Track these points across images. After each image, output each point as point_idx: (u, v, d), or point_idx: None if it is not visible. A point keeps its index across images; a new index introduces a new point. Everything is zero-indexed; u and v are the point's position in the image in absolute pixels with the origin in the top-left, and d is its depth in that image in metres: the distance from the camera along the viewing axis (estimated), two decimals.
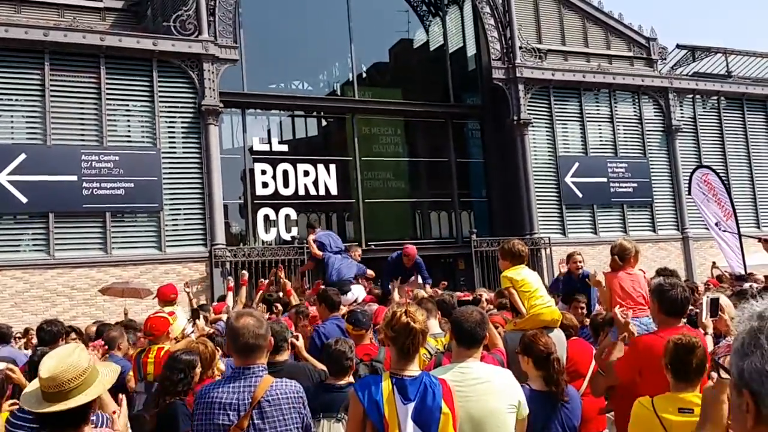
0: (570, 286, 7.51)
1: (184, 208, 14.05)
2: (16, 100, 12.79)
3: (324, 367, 4.04)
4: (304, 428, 2.86)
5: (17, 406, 3.20)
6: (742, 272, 9.91)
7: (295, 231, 15.62)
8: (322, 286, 6.82)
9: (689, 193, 12.61)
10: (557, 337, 4.33)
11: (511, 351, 4.04)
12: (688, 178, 13.17)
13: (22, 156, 12.49)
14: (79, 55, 13.25)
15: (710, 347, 3.39)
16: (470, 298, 7.85)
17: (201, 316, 6.05)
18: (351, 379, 3.86)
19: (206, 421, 2.75)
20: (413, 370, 2.69)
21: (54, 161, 12.78)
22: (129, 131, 13.80)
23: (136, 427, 3.91)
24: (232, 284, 9.16)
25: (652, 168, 18.51)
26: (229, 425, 2.69)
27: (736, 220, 11.29)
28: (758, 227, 19.17)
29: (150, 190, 13.57)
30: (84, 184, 13.04)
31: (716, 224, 11.51)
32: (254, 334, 2.79)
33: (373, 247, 15.53)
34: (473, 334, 3.03)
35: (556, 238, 17.12)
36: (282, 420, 2.75)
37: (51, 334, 5.47)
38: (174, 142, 14.09)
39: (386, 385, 2.63)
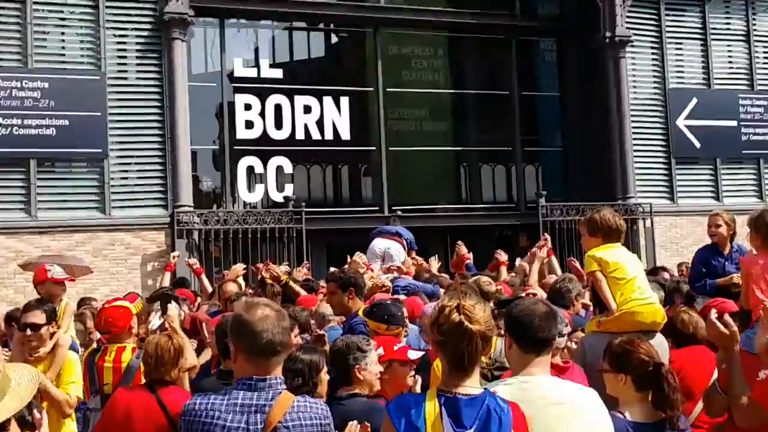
0: (712, 268, 6.98)
1: (138, 156, 14.08)
2: None
3: None
4: None
5: None
6: None
7: (289, 189, 15.58)
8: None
9: None
10: (659, 344, 4.40)
11: (591, 364, 4.13)
12: None
13: None
14: None
15: None
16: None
17: (173, 302, 6.28)
18: (357, 388, 4.04)
19: None
20: (471, 386, 2.73)
21: None
22: (63, 49, 13.73)
23: None
24: (194, 264, 10.10)
25: None
26: None
27: None
28: None
29: (91, 130, 13.52)
30: None
31: None
32: (280, 329, 2.90)
33: (399, 214, 15.24)
34: (539, 332, 3.06)
35: (661, 205, 16.89)
36: None
37: None
38: (125, 65, 14.05)
39: (431, 406, 2.68)
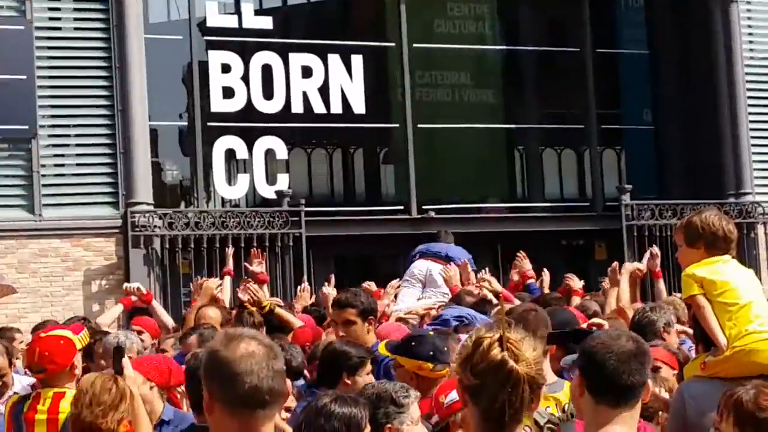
0: None
1: (77, 136, 13.98)
2: None
3: None
4: None
5: None
6: None
7: (283, 182, 15.23)
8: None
9: None
10: None
11: (693, 423, 4.28)
12: None
13: None
14: None
15: None
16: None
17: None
18: None
19: None
20: None
21: None
22: None
23: None
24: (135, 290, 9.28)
25: None
26: None
27: None
28: None
29: (12, 100, 13.32)
30: None
31: None
32: (270, 372, 2.81)
33: (432, 215, 15.16)
34: (622, 379, 3.11)
35: None
36: None
37: None
38: (58, 9, 13.91)
39: None
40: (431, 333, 5.33)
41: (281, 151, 15.49)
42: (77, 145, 13.93)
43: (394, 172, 16.63)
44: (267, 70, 15.37)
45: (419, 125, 16.15)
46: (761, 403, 3.49)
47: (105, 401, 4.35)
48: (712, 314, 4.70)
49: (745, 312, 4.67)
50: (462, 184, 16.64)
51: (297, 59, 15.55)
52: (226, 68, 15.25)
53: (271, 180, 15.32)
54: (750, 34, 16.96)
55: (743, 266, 5.08)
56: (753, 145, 16.62)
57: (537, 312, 5.38)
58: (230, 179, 15.37)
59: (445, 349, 5.01)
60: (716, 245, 4.87)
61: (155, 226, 13.57)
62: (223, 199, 15.42)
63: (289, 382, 3.13)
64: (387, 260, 16.39)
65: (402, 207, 15.82)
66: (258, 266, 8.93)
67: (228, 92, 15.21)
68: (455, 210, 15.99)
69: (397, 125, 16.23)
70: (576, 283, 8.86)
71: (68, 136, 13.92)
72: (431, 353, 4.93)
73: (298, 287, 10.33)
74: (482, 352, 2.72)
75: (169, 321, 9.04)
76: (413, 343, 5.09)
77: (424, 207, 15.54)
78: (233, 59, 15.32)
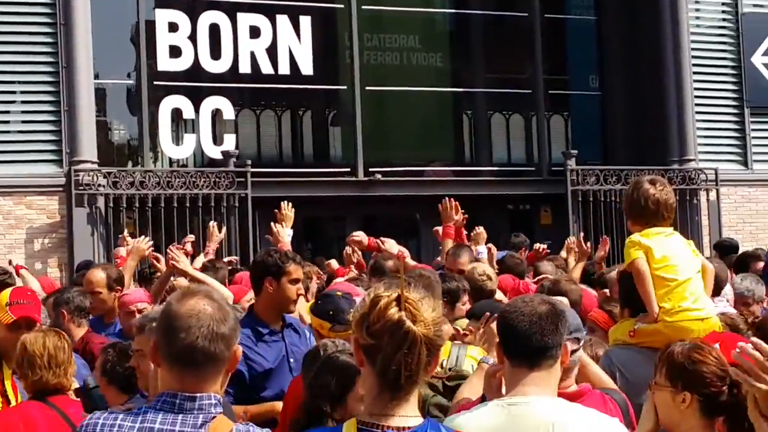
0: None
1: (19, 93, 13.77)
2: None
3: None
4: None
5: None
6: None
7: (230, 142, 15.23)
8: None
9: None
10: None
11: (624, 387, 4.29)
12: None
13: None
14: None
15: None
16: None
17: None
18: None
19: None
20: (408, 415, 2.69)
21: None
22: None
23: None
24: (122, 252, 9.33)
25: None
26: None
27: None
28: None
29: None
30: None
31: None
32: (210, 333, 2.84)
33: (379, 177, 15.17)
34: (533, 340, 3.17)
35: (731, 171, 16.60)
36: None
37: None
38: None
39: None
40: (340, 293, 5.20)
41: (228, 111, 15.46)
42: (21, 102, 13.80)
43: (342, 135, 16.59)
44: (214, 30, 15.28)
45: (367, 88, 16.09)
46: (693, 356, 3.51)
47: (63, 360, 4.41)
48: (650, 281, 4.84)
49: (682, 289, 4.84)
50: (409, 148, 16.75)
51: (245, 19, 15.45)
52: (173, 27, 15.12)
53: (217, 140, 15.31)
54: (697, 2, 16.83)
55: (685, 241, 5.20)
56: (697, 113, 16.57)
57: (433, 276, 5.67)
58: (177, 139, 15.34)
59: (351, 311, 4.86)
60: (649, 216, 5.00)
61: (99, 185, 13.45)
62: (170, 159, 15.35)
63: (240, 348, 3.06)
64: (333, 222, 16.53)
65: (349, 169, 15.82)
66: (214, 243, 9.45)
67: (175, 51, 15.10)
68: (402, 173, 15.98)
69: (345, 87, 16.18)
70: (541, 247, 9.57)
71: (12, 92, 13.70)
72: (331, 313, 4.87)
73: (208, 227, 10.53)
74: (379, 311, 2.68)
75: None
76: (319, 301, 5.11)
77: (371, 169, 15.52)
78: (180, 18, 15.17)
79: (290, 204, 8.77)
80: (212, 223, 10.67)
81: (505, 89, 17.86)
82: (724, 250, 11.49)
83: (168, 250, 7.68)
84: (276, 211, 8.72)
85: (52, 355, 4.40)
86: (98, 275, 7.02)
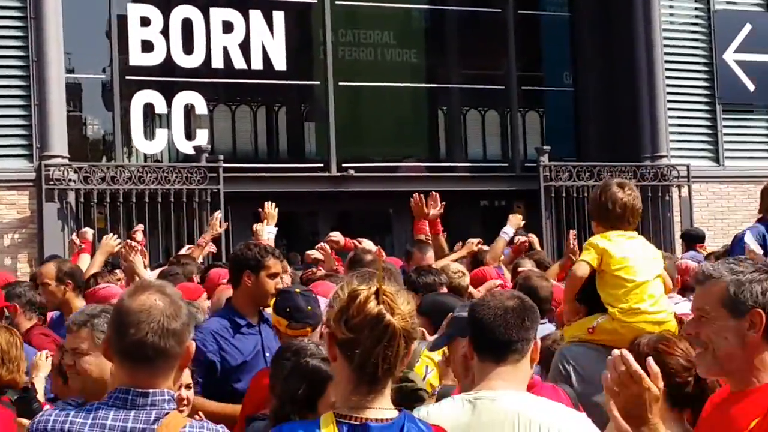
0: None
1: None
2: None
3: None
4: None
5: None
6: None
7: (203, 137, 15.21)
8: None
9: None
10: None
11: (579, 385, 4.48)
12: None
13: None
14: None
15: None
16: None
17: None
18: None
19: None
20: (383, 408, 2.72)
21: None
22: None
23: None
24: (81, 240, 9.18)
25: None
26: None
27: None
28: None
29: None
30: None
31: None
32: (160, 326, 2.87)
33: (352, 173, 15.26)
34: (498, 334, 3.22)
35: (702, 167, 16.68)
36: None
37: None
38: None
39: None
40: (299, 291, 5.23)
41: (201, 106, 15.49)
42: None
43: (315, 130, 16.57)
44: (187, 25, 15.26)
45: (341, 83, 16.16)
46: (658, 347, 3.57)
47: (16, 356, 4.43)
48: (578, 286, 4.96)
49: (641, 291, 4.87)
50: (383, 143, 16.82)
51: (218, 14, 15.47)
52: (145, 21, 15.12)
53: (190, 136, 15.32)
54: None
55: (650, 245, 5.27)
56: (669, 109, 16.68)
57: (393, 267, 5.75)
58: (148, 134, 15.32)
59: (308, 309, 4.96)
60: (623, 220, 5.05)
61: (70, 180, 13.41)
62: (145, 155, 15.41)
63: (194, 344, 3.09)
64: (306, 218, 16.55)
65: (322, 165, 15.86)
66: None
67: (147, 46, 15.12)
68: (375, 168, 15.97)
69: (318, 83, 16.22)
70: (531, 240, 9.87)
71: None
72: (288, 310, 4.92)
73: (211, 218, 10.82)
74: (358, 305, 2.71)
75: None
76: (279, 298, 5.13)
77: (344, 165, 15.58)
78: (152, 12, 15.17)
79: (273, 204, 8.96)
80: (217, 213, 10.91)
81: (480, 85, 17.83)
82: (691, 239, 11.74)
83: (124, 245, 7.89)
84: (259, 210, 8.91)
85: (4, 351, 4.41)
86: (48, 267, 6.99)
